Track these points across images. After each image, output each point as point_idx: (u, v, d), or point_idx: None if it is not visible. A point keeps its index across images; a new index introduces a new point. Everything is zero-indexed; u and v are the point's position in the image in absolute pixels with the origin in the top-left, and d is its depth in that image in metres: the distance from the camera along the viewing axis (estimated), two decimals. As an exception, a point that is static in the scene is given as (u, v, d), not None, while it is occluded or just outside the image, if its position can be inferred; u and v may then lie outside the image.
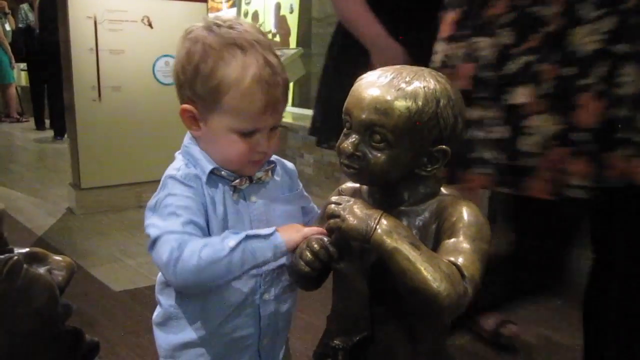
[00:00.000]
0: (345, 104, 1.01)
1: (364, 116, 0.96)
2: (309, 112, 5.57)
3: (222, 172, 1.12)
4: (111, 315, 2.51)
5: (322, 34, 6.18)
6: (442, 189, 1.06)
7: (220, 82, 1.05)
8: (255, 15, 6.94)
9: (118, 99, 4.00)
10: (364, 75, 1.02)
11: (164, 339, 1.20)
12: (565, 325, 2.40)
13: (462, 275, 0.91)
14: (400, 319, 1.03)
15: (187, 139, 1.19)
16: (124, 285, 2.83)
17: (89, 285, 2.85)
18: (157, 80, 4.10)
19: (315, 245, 1.00)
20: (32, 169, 6.00)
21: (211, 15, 2.12)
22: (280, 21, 6.53)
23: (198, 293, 1.12)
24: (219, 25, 1.10)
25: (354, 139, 0.98)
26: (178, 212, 1.05)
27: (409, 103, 0.95)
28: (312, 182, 4.49)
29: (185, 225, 1.04)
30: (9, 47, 8.19)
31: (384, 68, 1.01)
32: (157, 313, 1.22)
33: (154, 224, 1.06)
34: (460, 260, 0.93)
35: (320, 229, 1.08)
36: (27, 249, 0.60)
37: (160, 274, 1.16)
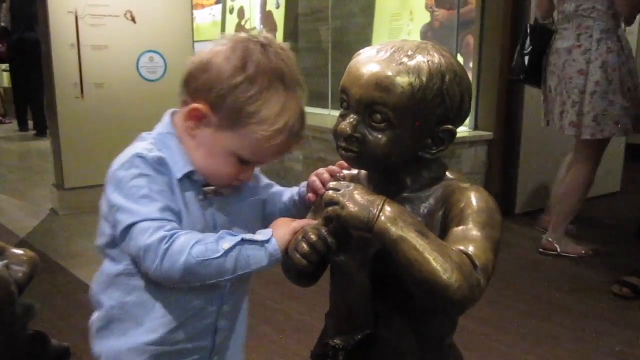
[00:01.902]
0: (342, 82, 0.93)
1: (363, 94, 0.88)
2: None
3: (195, 177, 1.06)
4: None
5: (309, 30, 6.10)
6: (448, 174, 0.98)
7: (255, 112, 0.99)
8: (242, 11, 6.83)
9: (101, 96, 3.89)
10: (361, 51, 0.94)
11: (104, 346, 1.08)
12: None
13: (474, 266, 0.83)
14: (405, 315, 0.94)
15: (166, 126, 1.09)
16: (110, 287, 2.73)
17: (72, 286, 2.76)
18: (142, 76, 3.99)
19: (313, 236, 0.91)
20: (15, 170, 5.86)
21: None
22: (267, 17, 6.44)
23: (173, 287, 1.02)
24: (269, 45, 1.04)
25: (352, 120, 0.90)
26: (153, 196, 0.98)
27: (412, 79, 0.87)
28: (302, 179, 4.36)
29: (163, 212, 0.97)
30: None
31: (383, 43, 0.93)
32: (96, 317, 1.10)
33: (126, 209, 0.97)
34: (471, 250, 0.84)
35: (310, 221, 1.00)
36: (-20, 241, 0.50)
37: (99, 273, 1.09)
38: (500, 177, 3.80)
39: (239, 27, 6.83)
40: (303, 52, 5.88)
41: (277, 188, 1.26)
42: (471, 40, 3.96)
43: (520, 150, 3.73)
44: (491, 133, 3.74)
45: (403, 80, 0.86)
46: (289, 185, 1.31)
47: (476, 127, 3.81)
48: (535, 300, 2.60)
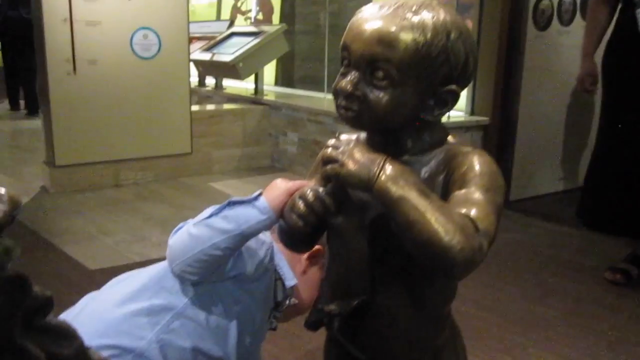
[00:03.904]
0: (343, 38, 0.90)
1: (365, 49, 0.85)
2: (292, 91, 5.49)
3: (285, 301, 1.24)
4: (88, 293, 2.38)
5: (306, 13, 6.04)
6: (449, 138, 0.95)
7: None
8: (238, -7, 6.76)
9: (94, 72, 3.83)
10: (363, 8, 0.90)
11: None
12: None
13: (476, 228, 0.80)
14: (403, 281, 0.92)
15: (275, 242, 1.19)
16: (100, 264, 2.70)
17: (63, 263, 2.72)
18: (135, 53, 3.92)
19: (310, 196, 0.87)
20: (5, 148, 5.79)
21: None
22: (263, -1, 6.37)
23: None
24: None
25: (353, 77, 0.87)
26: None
27: (417, 35, 0.83)
28: (296, 161, 4.37)
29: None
30: None
31: (386, 0, 0.89)
32: None
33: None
34: (473, 213, 0.82)
35: (305, 182, 0.97)
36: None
37: None
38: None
39: (235, 9, 6.76)
40: (299, 35, 5.83)
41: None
42: (469, 24, 3.92)
43: (516, 136, 3.71)
44: (487, 118, 3.72)
45: (407, 36, 0.83)
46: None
47: (472, 112, 3.79)
48: (528, 284, 2.59)
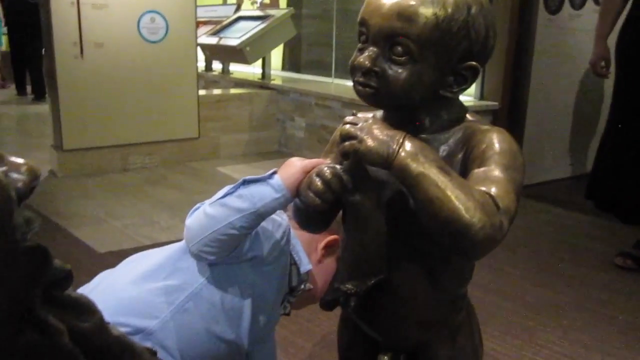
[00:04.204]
0: (361, 13, 0.88)
1: (383, 24, 0.83)
2: (299, 76, 5.47)
3: (299, 286, 1.22)
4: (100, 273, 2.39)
5: (313, -3, 5.99)
6: (468, 116, 0.93)
7: None
8: (244, -23, 6.70)
9: (101, 56, 3.81)
10: (381, -17, 0.89)
11: None
12: None
13: (497, 206, 0.79)
14: (420, 260, 0.91)
15: (291, 227, 1.20)
16: (109, 247, 2.70)
17: (72, 246, 2.72)
18: (142, 37, 3.90)
19: (327, 174, 0.86)
20: (13, 132, 5.80)
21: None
22: (270, -17, 6.32)
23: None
24: None
25: (371, 53, 0.85)
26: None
27: (437, 9, 0.82)
28: (304, 146, 4.35)
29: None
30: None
31: None
32: None
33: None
34: (493, 190, 0.80)
35: (321, 160, 0.96)
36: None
37: None
38: (505, 148, 3.75)
39: (242, -7, 6.70)
40: (306, 19, 5.78)
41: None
42: (479, 8, 3.88)
43: (525, 120, 3.68)
44: (497, 103, 3.69)
45: (427, 10, 0.82)
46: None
47: (482, 97, 3.75)
48: (538, 270, 2.58)
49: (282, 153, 4.54)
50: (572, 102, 3.91)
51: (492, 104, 3.70)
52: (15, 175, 0.47)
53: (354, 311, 0.98)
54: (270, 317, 1.21)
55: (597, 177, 2.90)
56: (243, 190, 0.98)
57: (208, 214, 1.01)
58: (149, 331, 1.07)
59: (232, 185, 1.01)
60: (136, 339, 1.03)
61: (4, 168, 0.47)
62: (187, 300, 1.10)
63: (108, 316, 1.03)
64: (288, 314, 1.29)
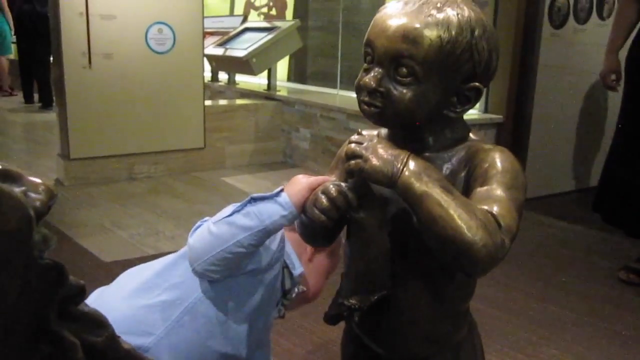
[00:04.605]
0: (367, 34, 0.90)
1: (389, 46, 0.85)
2: (305, 87, 5.50)
3: (293, 289, 1.24)
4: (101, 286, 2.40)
5: (319, 9, 6.04)
6: (471, 135, 0.95)
7: None
8: (251, -12, 6.76)
9: (109, 66, 3.85)
10: (387, 4, 0.91)
11: None
12: None
13: (499, 225, 0.80)
14: (423, 277, 0.92)
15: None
16: (115, 256, 2.72)
17: (78, 255, 2.74)
18: (150, 47, 3.94)
19: (333, 191, 0.88)
20: (20, 141, 5.85)
21: None
22: (277, -6, 6.37)
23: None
24: None
25: (376, 73, 0.87)
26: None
27: (441, 31, 0.84)
28: (308, 157, 4.38)
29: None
30: (10, 15, 7.84)
31: None
32: None
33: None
34: (495, 209, 0.82)
35: (327, 177, 0.98)
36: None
37: None
38: (509, 161, 3.76)
39: (249, 4, 6.77)
40: (312, 31, 5.83)
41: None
42: (484, 21, 3.91)
43: (530, 134, 3.70)
44: (501, 116, 3.71)
45: (432, 33, 0.84)
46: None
47: (486, 110, 3.78)
48: (541, 283, 2.59)
49: (287, 164, 4.57)
50: (577, 115, 3.92)
51: (496, 117, 3.71)
52: (33, 195, 0.49)
53: (357, 326, 0.99)
54: (266, 323, 1.22)
55: (604, 190, 2.90)
56: (250, 208, 0.99)
57: (213, 233, 1.01)
58: (144, 348, 1.08)
59: (237, 204, 1.02)
60: None
61: (23, 188, 0.49)
62: (182, 315, 1.11)
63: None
64: (282, 317, 1.30)
